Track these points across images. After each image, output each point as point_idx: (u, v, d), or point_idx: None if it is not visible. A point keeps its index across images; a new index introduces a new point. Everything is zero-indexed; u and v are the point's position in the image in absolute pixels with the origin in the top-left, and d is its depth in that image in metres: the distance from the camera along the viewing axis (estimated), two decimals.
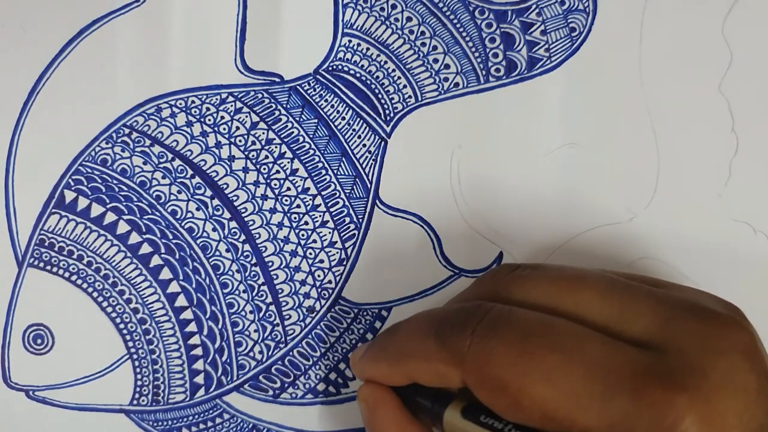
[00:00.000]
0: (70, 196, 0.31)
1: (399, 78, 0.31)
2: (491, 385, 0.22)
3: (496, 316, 0.23)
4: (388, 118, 0.31)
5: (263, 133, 0.31)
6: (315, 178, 0.31)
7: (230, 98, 0.31)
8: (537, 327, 0.22)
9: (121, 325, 0.31)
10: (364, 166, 0.31)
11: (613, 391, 0.21)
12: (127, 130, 0.31)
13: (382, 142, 0.31)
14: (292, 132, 0.31)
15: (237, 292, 0.31)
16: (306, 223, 0.31)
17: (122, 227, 0.31)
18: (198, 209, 0.31)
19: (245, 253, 0.31)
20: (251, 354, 0.31)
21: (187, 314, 0.31)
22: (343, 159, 0.31)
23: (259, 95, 0.31)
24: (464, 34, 0.31)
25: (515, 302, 0.24)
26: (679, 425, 0.20)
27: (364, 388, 0.27)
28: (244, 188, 0.31)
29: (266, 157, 0.31)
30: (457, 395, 0.25)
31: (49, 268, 0.31)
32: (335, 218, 0.31)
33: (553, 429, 0.21)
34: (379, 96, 0.31)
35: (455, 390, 0.25)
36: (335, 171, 0.31)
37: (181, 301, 0.31)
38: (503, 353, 0.22)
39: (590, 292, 0.23)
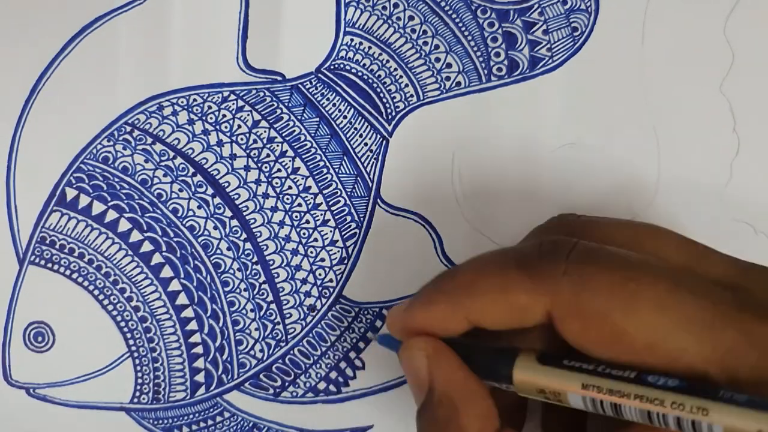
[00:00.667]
0: (71, 193, 0.31)
1: (401, 77, 0.31)
2: (589, 314, 0.21)
3: (589, 247, 0.22)
4: (390, 117, 0.31)
5: (265, 132, 0.31)
6: (316, 177, 0.31)
7: (232, 96, 0.31)
8: (635, 260, 0.22)
9: (122, 323, 0.31)
10: (365, 165, 0.31)
11: (723, 321, 0.20)
12: (128, 128, 0.31)
13: (384, 141, 0.31)
14: (294, 130, 0.31)
15: (238, 291, 0.31)
16: (307, 221, 0.31)
17: (123, 225, 0.31)
18: (199, 207, 0.31)
19: (246, 252, 0.31)
20: (252, 352, 0.31)
21: (188, 312, 0.31)
22: (345, 158, 0.31)
23: (261, 93, 0.31)
24: (466, 33, 0.31)
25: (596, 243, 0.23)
26: None
27: (418, 338, 0.24)
28: (245, 186, 0.31)
29: (268, 155, 0.31)
30: (520, 350, 0.23)
31: (50, 265, 0.31)
32: (336, 217, 0.31)
33: (657, 361, 0.20)
34: (381, 95, 0.31)
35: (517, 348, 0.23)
36: (336, 170, 0.31)
37: (182, 299, 0.31)
38: (606, 280, 0.21)
39: (667, 239, 0.23)
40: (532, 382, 0.22)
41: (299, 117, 0.31)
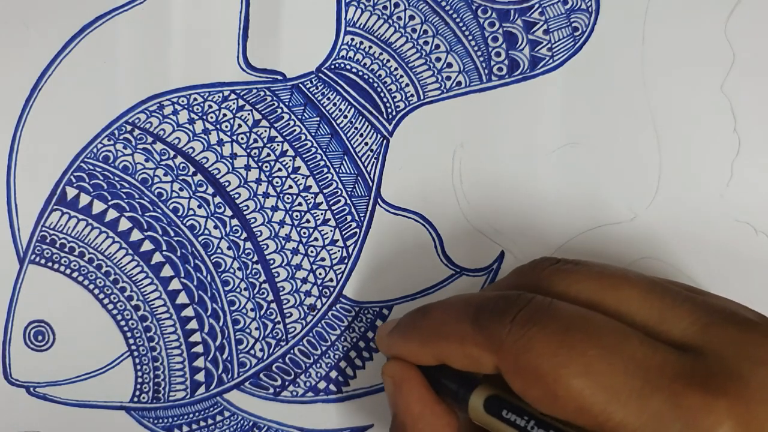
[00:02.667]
0: (71, 192, 0.31)
1: (401, 76, 0.31)
2: (527, 374, 0.22)
3: (537, 306, 0.23)
4: (390, 116, 0.31)
5: (265, 131, 0.31)
6: (317, 177, 0.31)
7: (232, 96, 0.31)
8: (578, 320, 0.22)
9: (122, 322, 0.31)
10: (365, 164, 0.31)
11: (651, 389, 0.21)
12: (129, 127, 0.31)
13: (384, 141, 0.31)
14: (294, 130, 0.31)
15: (238, 290, 0.31)
16: (307, 221, 0.31)
17: (124, 224, 0.31)
18: (200, 207, 0.31)
19: (247, 251, 0.31)
20: (252, 352, 0.31)
21: (188, 311, 0.31)
22: (345, 157, 0.31)
23: (262, 93, 0.31)
24: (467, 32, 0.31)
25: (555, 295, 0.24)
26: (717, 430, 0.20)
27: (391, 364, 0.27)
28: (245, 186, 0.31)
29: (268, 155, 0.31)
30: (482, 380, 0.25)
31: (50, 264, 0.31)
32: (337, 216, 0.31)
33: (586, 424, 0.21)
34: (382, 94, 0.31)
35: (481, 375, 0.25)
36: (337, 169, 0.31)
37: (182, 298, 0.31)
38: (543, 343, 0.22)
39: (632, 291, 0.23)
40: (483, 420, 0.24)
41: (300, 116, 0.31)
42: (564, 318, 0.22)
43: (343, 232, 0.31)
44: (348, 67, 0.31)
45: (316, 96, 0.31)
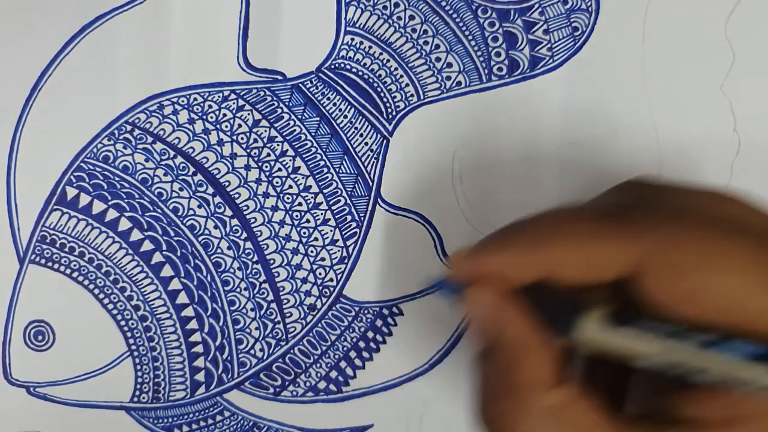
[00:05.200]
0: (71, 192, 0.31)
1: (401, 76, 0.31)
2: (679, 268, 0.20)
3: (678, 205, 0.22)
4: (390, 116, 0.31)
5: (265, 131, 0.31)
6: (317, 176, 0.31)
7: (232, 96, 0.31)
8: (721, 220, 0.21)
9: (122, 322, 0.31)
10: (365, 164, 0.31)
11: None
12: (129, 127, 0.31)
13: (384, 141, 0.31)
14: (294, 130, 0.31)
15: (238, 290, 0.31)
16: (307, 221, 0.31)
17: (124, 224, 0.31)
18: (200, 206, 0.31)
19: (247, 251, 0.31)
20: (252, 351, 0.31)
21: (188, 311, 0.31)
22: (345, 157, 0.31)
23: (262, 93, 0.31)
24: (467, 32, 0.31)
25: (677, 208, 0.22)
26: None
27: (488, 283, 0.23)
28: (245, 186, 0.31)
29: (268, 154, 0.31)
30: (590, 305, 0.22)
31: (50, 264, 0.31)
32: (337, 216, 0.31)
33: (736, 321, 0.20)
34: (382, 94, 0.31)
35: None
36: (337, 169, 0.31)
37: (182, 298, 0.31)
38: (696, 236, 0.21)
39: (744, 206, 0.23)
40: (603, 341, 0.21)
41: (300, 116, 0.31)
42: (709, 217, 0.21)
43: (343, 232, 0.31)
44: (348, 67, 0.31)
45: (316, 96, 0.31)
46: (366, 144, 0.31)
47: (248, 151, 0.31)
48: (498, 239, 0.23)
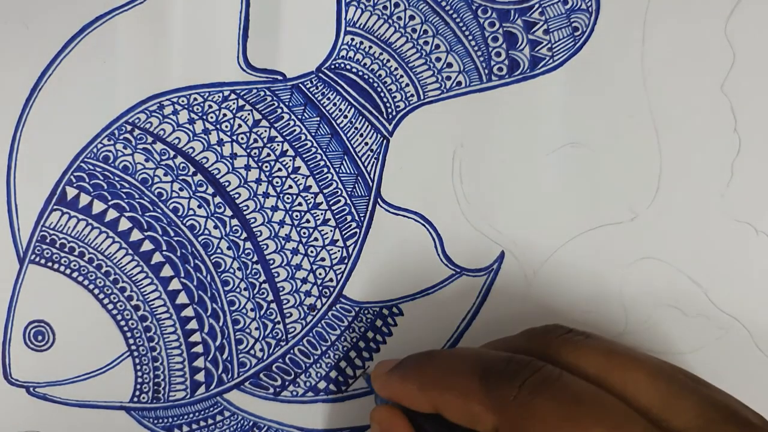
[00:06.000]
0: (71, 192, 0.31)
1: (401, 76, 0.31)
2: None
3: (546, 375, 0.23)
4: (390, 116, 0.31)
5: (265, 131, 0.31)
6: (317, 177, 0.31)
7: (232, 96, 0.31)
8: (585, 396, 0.23)
9: (122, 322, 0.31)
10: (365, 164, 0.31)
11: None
12: (129, 127, 0.31)
13: (384, 141, 0.31)
14: (294, 130, 0.31)
15: (238, 290, 0.31)
16: (307, 221, 0.31)
17: (124, 224, 0.31)
18: (200, 207, 0.31)
19: (247, 251, 0.31)
20: (252, 352, 0.31)
21: (188, 311, 0.31)
22: (345, 157, 0.31)
23: (262, 93, 0.31)
24: (467, 32, 0.31)
25: (563, 365, 0.24)
26: None
27: (380, 410, 0.27)
28: (245, 186, 0.31)
29: (268, 155, 0.31)
30: None
31: (50, 264, 0.31)
32: (337, 216, 0.31)
33: None
34: (382, 94, 0.31)
35: None
36: (337, 169, 0.31)
37: (182, 298, 0.31)
38: (549, 413, 0.22)
39: (639, 374, 0.24)
40: None
41: (300, 116, 0.31)
42: (572, 391, 0.23)
43: (343, 232, 0.31)
44: (348, 67, 0.31)
45: (316, 96, 0.31)
46: (366, 144, 0.31)
47: (248, 151, 0.31)
48: (405, 369, 0.26)
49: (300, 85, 0.31)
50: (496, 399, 0.23)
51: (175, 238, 0.31)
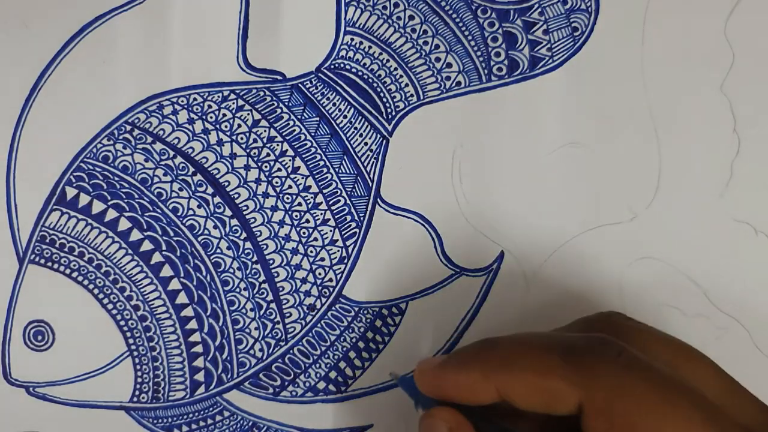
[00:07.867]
0: (71, 192, 0.31)
1: (401, 76, 0.31)
2: (620, 419, 0.21)
3: (636, 356, 0.22)
4: (390, 116, 0.31)
5: (265, 131, 0.31)
6: (316, 177, 0.31)
7: (232, 96, 0.31)
8: (677, 382, 0.22)
9: (122, 322, 0.31)
10: (365, 164, 0.31)
11: None
12: (128, 127, 0.31)
13: (384, 141, 0.31)
14: (294, 130, 0.31)
15: (238, 290, 0.31)
16: (307, 221, 0.31)
17: (123, 224, 0.31)
18: (199, 207, 0.31)
19: (246, 251, 0.31)
20: (252, 352, 0.31)
21: (188, 311, 0.31)
22: (345, 157, 0.31)
23: (261, 93, 0.31)
24: (466, 32, 0.31)
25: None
26: None
27: (444, 410, 0.25)
28: (245, 186, 0.31)
29: (268, 155, 0.31)
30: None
31: (50, 264, 0.31)
32: (336, 216, 0.31)
33: None
34: (381, 94, 0.31)
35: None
36: (336, 169, 0.31)
37: (181, 298, 0.31)
38: (643, 392, 0.21)
39: (708, 369, 0.24)
40: None
41: (299, 116, 0.31)
42: (664, 375, 0.22)
43: (343, 232, 0.31)
44: (348, 67, 0.31)
45: (315, 96, 0.31)
46: (366, 144, 0.31)
47: (248, 151, 0.31)
48: (462, 358, 0.25)
49: (299, 85, 0.31)
50: (583, 375, 0.22)
51: (175, 238, 0.31)
